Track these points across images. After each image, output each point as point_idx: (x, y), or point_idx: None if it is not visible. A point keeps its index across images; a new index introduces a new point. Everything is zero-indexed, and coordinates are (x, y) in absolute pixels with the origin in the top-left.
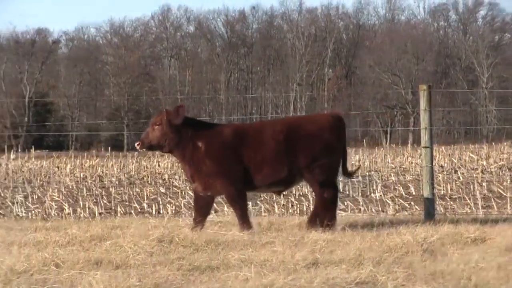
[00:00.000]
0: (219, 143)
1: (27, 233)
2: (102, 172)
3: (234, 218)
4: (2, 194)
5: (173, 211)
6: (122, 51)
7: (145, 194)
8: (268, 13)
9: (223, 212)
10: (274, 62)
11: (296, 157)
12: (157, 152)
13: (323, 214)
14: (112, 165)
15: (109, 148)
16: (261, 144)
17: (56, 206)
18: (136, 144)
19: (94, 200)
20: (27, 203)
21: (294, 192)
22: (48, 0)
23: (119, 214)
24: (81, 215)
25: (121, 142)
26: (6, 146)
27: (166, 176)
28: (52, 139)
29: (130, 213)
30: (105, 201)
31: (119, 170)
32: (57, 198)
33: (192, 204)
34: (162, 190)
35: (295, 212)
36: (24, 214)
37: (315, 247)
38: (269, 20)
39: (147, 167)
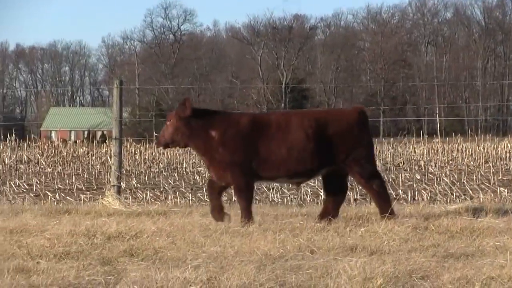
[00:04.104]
0: (233, 133)
1: (282, 219)
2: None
3: (488, 205)
4: None
5: (428, 198)
6: (379, 37)
7: (400, 180)
8: None
9: (478, 199)
10: None
11: (327, 152)
12: (413, 138)
13: (383, 205)
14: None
15: None
16: (286, 136)
17: (311, 192)
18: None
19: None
20: (282, 189)
21: None
22: None
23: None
24: None
25: (377, 128)
26: None
27: (421, 163)
28: None
29: None
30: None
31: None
32: (312, 184)
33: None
34: (418, 176)
35: None
36: (279, 200)
37: None
38: None
39: (402, 154)
